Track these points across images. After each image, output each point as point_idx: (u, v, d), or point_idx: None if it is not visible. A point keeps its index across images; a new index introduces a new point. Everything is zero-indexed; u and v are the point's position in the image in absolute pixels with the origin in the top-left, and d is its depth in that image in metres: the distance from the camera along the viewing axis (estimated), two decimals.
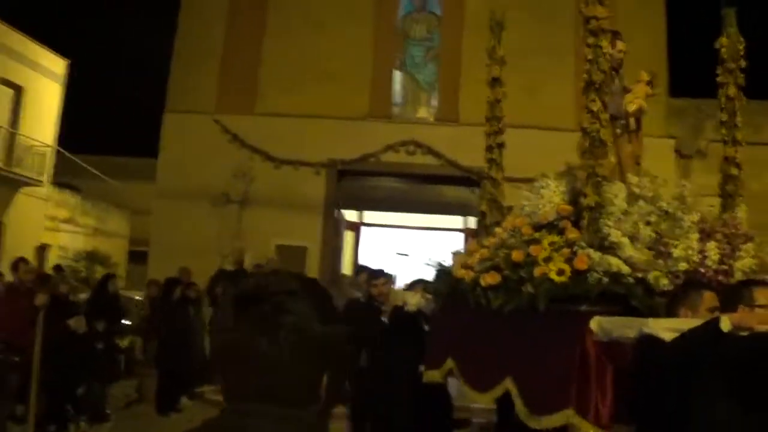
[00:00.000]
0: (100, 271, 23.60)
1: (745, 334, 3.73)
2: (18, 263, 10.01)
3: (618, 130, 7.04)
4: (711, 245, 5.94)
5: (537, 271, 5.63)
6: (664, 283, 5.57)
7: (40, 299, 9.05)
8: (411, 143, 17.42)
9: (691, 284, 4.87)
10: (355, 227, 19.88)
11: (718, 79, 7.46)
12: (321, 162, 17.32)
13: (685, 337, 3.83)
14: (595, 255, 5.63)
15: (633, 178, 6.56)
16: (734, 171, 7.65)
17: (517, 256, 5.93)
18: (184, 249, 16.13)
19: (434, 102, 18.52)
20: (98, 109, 37.06)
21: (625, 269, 5.61)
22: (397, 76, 18.51)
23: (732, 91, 7.48)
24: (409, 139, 17.45)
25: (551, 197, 6.65)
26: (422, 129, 17.85)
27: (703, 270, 5.81)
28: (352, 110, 17.30)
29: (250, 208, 17.07)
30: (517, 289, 5.78)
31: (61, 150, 29.03)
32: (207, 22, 17.93)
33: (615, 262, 5.63)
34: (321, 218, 17.58)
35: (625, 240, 5.84)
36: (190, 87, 17.74)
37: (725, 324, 3.72)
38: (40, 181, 26.78)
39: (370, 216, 20.27)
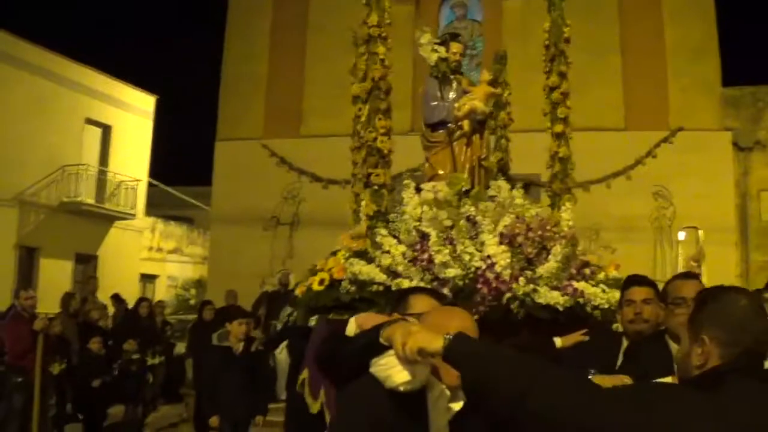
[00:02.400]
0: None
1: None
2: (18, 291, 10.57)
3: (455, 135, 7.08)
4: (499, 249, 5.89)
5: (312, 281, 5.88)
6: None
7: (38, 324, 9.62)
8: None
9: (407, 291, 4.56)
10: None
11: None
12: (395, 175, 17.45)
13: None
14: (357, 264, 5.70)
15: (427, 185, 6.66)
16: None
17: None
18: (238, 272, 16.61)
19: None
20: (187, 141, 38.34)
21: (380, 277, 5.65)
22: None
23: None
24: None
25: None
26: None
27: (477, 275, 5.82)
28: (395, 125, 17.34)
29: (300, 228, 17.43)
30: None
31: (155, 182, 30.20)
32: (250, 52, 18.49)
33: (367, 270, 5.68)
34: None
35: (396, 247, 5.88)
36: (237, 115, 18.31)
37: (350, 327, 3.59)
38: (133, 215, 27.89)
39: None
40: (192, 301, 27.65)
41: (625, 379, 4.13)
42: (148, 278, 30.45)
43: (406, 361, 2.86)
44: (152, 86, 29.74)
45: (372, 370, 3.04)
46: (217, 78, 19.11)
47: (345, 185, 17.44)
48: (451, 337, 2.69)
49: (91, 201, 26.07)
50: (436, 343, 2.69)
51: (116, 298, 16.21)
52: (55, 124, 24.92)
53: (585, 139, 15.84)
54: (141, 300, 14.17)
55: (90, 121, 26.85)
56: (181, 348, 14.72)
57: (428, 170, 7.31)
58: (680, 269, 15.91)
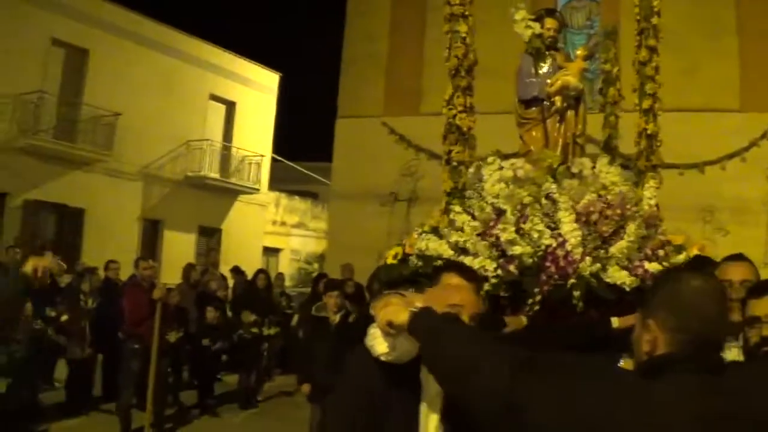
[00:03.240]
0: None
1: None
2: (138, 261, 10.90)
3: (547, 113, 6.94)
4: (570, 227, 5.76)
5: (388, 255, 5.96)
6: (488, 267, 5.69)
7: (157, 293, 9.89)
8: None
9: (440, 267, 4.43)
10: None
11: None
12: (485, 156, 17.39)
13: None
14: (426, 239, 5.72)
15: (508, 162, 6.51)
16: None
17: None
18: (357, 247, 16.78)
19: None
20: (310, 117, 38.86)
21: (447, 253, 5.72)
22: None
23: None
24: None
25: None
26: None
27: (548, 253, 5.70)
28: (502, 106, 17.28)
29: (417, 205, 17.45)
30: None
31: (278, 157, 30.77)
32: (370, 31, 18.56)
33: (434, 246, 5.74)
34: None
35: (468, 224, 5.92)
36: (358, 93, 18.46)
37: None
38: (257, 189, 28.52)
39: None
40: (314, 275, 28.16)
41: None
42: (271, 252, 31.14)
43: (385, 333, 2.98)
44: (276, 64, 30.30)
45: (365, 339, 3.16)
46: (338, 56, 19.30)
47: None
48: (415, 311, 2.78)
49: (215, 175, 26.77)
50: (402, 317, 2.80)
51: (236, 270, 16.61)
52: (180, 100, 25.73)
53: (700, 120, 15.66)
54: (259, 272, 14.45)
55: (214, 98, 27.58)
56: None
57: (521, 148, 7.15)
58: None
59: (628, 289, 5.73)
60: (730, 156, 16.08)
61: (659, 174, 7.13)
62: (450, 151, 7.03)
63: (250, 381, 12.89)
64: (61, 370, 12.09)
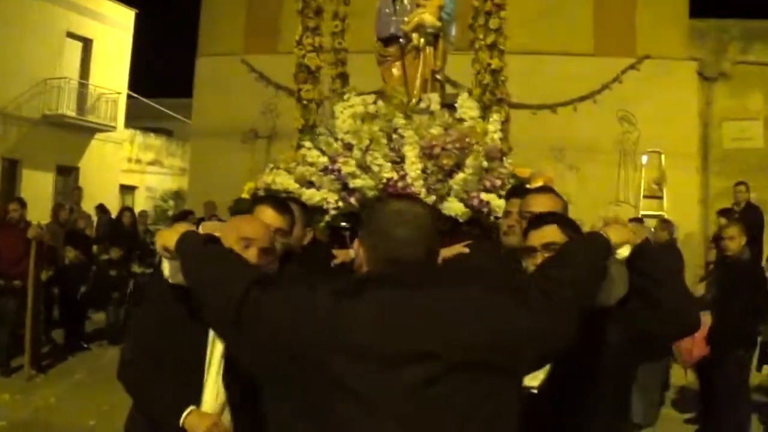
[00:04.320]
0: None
1: None
2: (6, 205, 11.00)
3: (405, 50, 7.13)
4: (411, 161, 6.07)
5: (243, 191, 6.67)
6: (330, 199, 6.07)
7: (31, 231, 10.12)
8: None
9: (255, 201, 4.70)
10: None
11: None
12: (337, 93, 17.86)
13: None
14: (273, 174, 6.32)
15: (358, 98, 6.80)
16: None
17: None
18: (218, 185, 17.07)
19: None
20: (166, 54, 38.32)
21: (293, 186, 6.18)
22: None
23: None
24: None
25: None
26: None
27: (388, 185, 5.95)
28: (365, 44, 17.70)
29: (277, 142, 17.78)
30: None
31: (134, 95, 30.44)
32: None
33: (280, 180, 6.24)
34: None
35: (318, 159, 6.31)
36: (218, 31, 18.61)
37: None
38: (113, 127, 28.28)
39: None
40: (170, 212, 28.05)
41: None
42: (127, 189, 30.93)
43: (165, 257, 3.11)
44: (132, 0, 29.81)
45: None
46: None
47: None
48: (181, 234, 2.91)
49: (72, 114, 26.38)
50: (171, 241, 2.92)
51: (101, 209, 16.74)
52: (36, 37, 25.11)
53: (555, 63, 16.41)
54: (124, 209, 14.66)
55: (71, 35, 27.01)
56: None
57: (383, 86, 7.31)
58: (642, 192, 16.74)
59: (461, 219, 5.97)
60: (582, 98, 16.90)
61: (504, 109, 7.28)
62: (300, 89, 7.34)
63: (118, 316, 13.13)
64: None
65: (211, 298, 2.56)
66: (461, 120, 6.79)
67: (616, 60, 16.86)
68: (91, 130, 27.69)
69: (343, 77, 8.28)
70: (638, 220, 11.62)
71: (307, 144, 6.61)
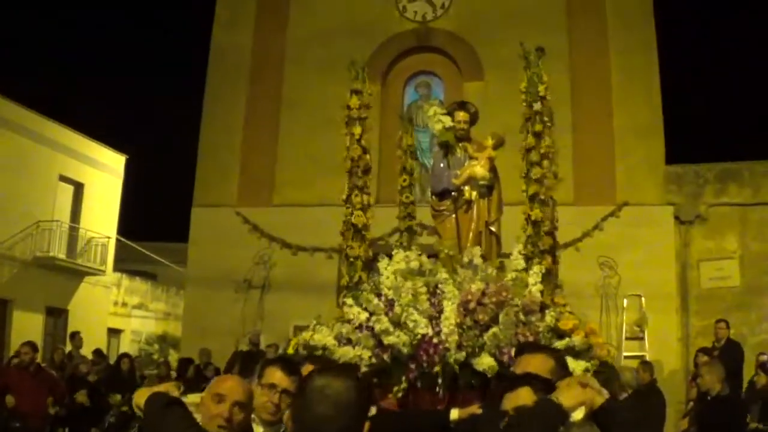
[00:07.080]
0: (173, 354, 25.42)
1: None
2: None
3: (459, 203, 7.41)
4: (446, 315, 6.23)
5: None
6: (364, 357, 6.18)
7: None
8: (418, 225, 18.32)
9: (265, 362, 4.67)
10: None
11: None
12: (333, 247, 18.32)
13: None
14: (318, 333, 6.48)
15: (399, 254, 6.96)
16: None
17: None
18: (212, 331, 17.45)
19: None
20: (156, 199, 39.02)
21: (330, 343, 6.39)
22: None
23: None
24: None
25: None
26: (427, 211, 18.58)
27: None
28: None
29: (270, 292, 18.24)
30: None
31: (123, 239, 30.87)
32: (226, 128, 19.30)
33: (318, 338, 6.46)
34: (335, 299, 18.43)
35: (359, 315, 6.48)
36: (213, 183, 19.22)
37: None
38: (102, 271, 28.61)
39: None
40: (155, 356, 28.17)
41: None
42: (114, 332, 31.00)
43: None
44: (125, 146, 30.51)
45: None
46: (186, 142, 19.84)
47: (313, 252, 18.46)
48: (153, 393, 3.48)
49: (63, 257, 26.76)
50: (142, 400, 3.51)
51: (98, 353, 17.01)
52: (30, 179, 25.68)
53: None
54: (122, 356, 14.98)
55: (63, 179, 27.64)
56: None
57: (437, 240, 7.52)
58: (624, 334, 17.17)
59: (488, 375, 6.04)
60: (565, 246, 17.44)
61: (547, 260, 7.32)
62: (347, 246, 7.50)
63: None
64: None
65: None
66: (503, 272, 6.94)
67: (597, 208, 17.48)
68: (80, 274, 28.00)
69: (410, 231, 8.55)
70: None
71: (349, 301, 6.78)
